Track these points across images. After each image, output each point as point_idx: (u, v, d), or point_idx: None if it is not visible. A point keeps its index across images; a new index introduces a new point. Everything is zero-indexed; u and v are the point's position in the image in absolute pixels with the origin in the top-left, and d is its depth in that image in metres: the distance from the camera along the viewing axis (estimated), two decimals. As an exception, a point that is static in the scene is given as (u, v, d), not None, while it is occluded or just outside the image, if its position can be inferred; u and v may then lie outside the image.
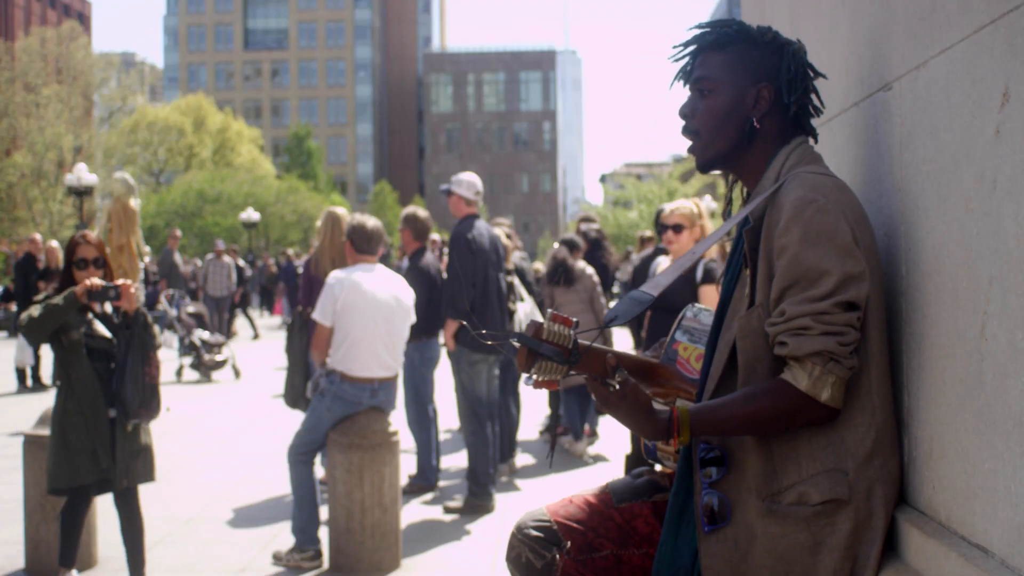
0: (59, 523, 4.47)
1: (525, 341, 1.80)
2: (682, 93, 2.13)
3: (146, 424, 4.48)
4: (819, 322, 1.77)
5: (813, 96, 2.04)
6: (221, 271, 18.32)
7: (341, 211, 6.42)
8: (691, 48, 2.06)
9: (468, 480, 6.31)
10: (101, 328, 4.43)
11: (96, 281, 4.30)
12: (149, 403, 4.42)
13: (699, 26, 2.06)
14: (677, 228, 5.27)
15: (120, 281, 4.39)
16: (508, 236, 7.87)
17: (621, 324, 1.87)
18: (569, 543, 2.08)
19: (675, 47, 2.07)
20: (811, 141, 2.09)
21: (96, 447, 4.32)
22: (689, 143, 2.05)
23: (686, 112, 2.04)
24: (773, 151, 2.00)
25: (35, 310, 4.27)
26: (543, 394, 9.94)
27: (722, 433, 1.86)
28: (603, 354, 1.97)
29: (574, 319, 1.88)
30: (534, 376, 1.84)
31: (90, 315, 4.44)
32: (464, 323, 6.00)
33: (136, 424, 4.41)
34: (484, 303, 6.28)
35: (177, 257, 18.53)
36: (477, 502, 6.25)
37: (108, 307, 4.50)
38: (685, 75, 2.08)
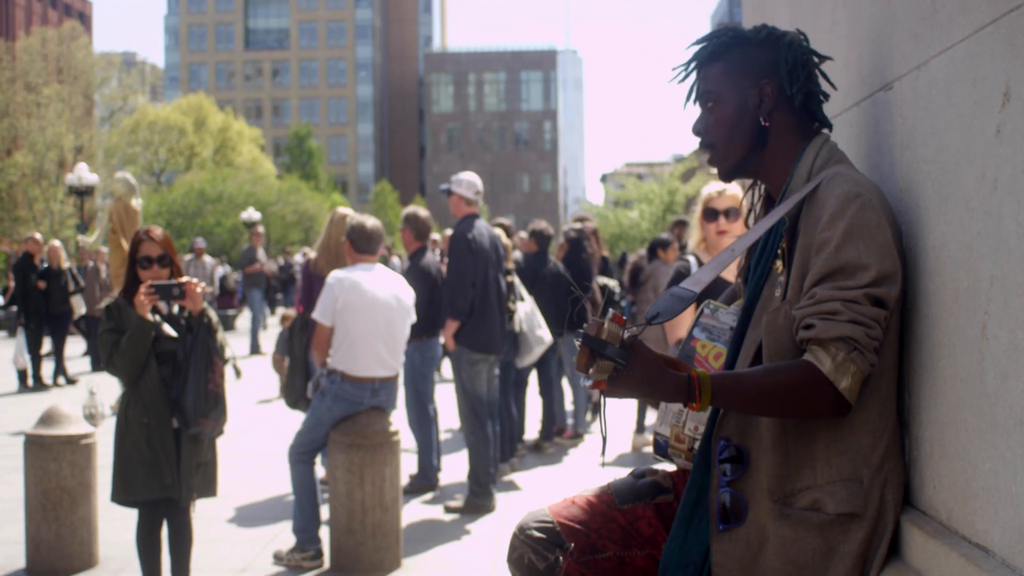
0: (136, 548, 4.26)
1: (590, 343, 1.78)
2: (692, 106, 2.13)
3: (209, 435, 4.18)
4: (849, 309, 1.75)
5: (820, 81, 2.03)
6: (202, 273, 16.65)
7: (345, 211, 6.40)
8: (692, 66, 2.06)
9: (469, 480, 6.32)
10: (169, 330, 4.14)
11: (150, 285, 3.99)
12: (210, 412, 4.10)
13: (697, 41, 2.07)
14: (732, 213, 4.37)
15: (184, 279, 4.10)
16: (508, 234, 7.89)
17: (664, 321, 1.85)
18: (572, 544, 2.07)
19: (675, 68, 2.08)
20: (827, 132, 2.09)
21: (160, 459, 4.05)
22: (709, 158, 2.07)
23: (699, 129, 2.06)
24: (795, 147, 1.99)
25: (116, 355, 4.01)
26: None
27: (739, 403, 1.82)
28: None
29: (624, 317, 1.86)
30: (592, 376, 1.82)
31: (156, 317, 4.14)
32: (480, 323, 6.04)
33: (197, 434, 4.11)
34: (484, 303, 6.28)
35: (261, 254, 17.34)
36: (478, 502, 6.25)
37: (176, 308, 4.21)
38: (695, 92, 2.08)
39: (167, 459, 4.06)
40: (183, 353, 4.12)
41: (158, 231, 4.23)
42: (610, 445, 8.28)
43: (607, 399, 1.91)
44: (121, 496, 4.13)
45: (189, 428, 4.09)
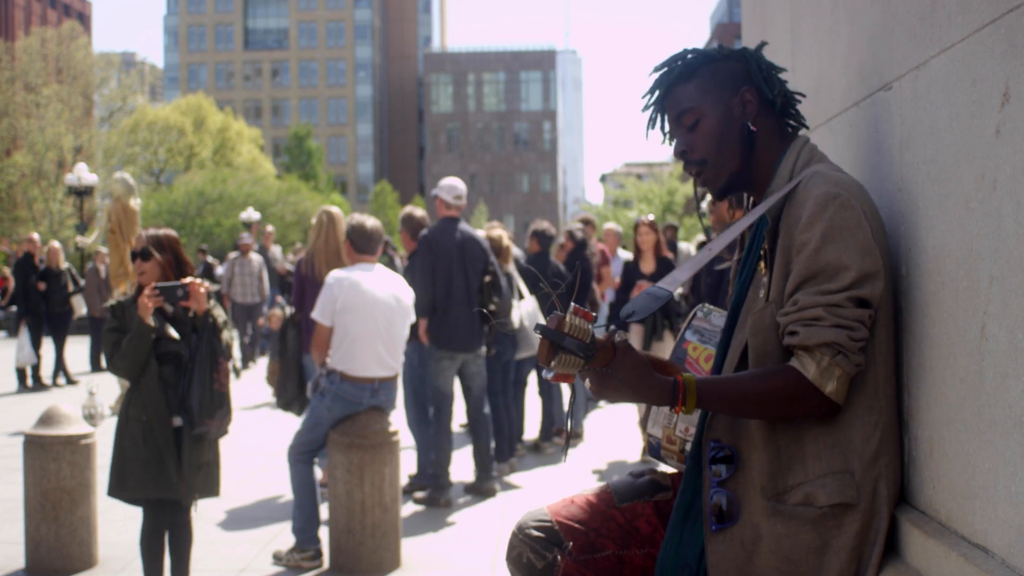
0: (140, 549, 4.25)
1: (547, 334, 1.81)
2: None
3: (214, 435, 4.19)
4: (831, 314, 1.78)
5: (788, 86, 2.06)
6: (249, 272, 14.37)
7: (336, 210, 6.41)
8: (657, 92, 2.06)
9: (433, 471, 6.55)
10: (172, 332, 4.15)
11: (154, 287, 4.01)
12: (215, 412, 4.12)
13: (656, 69, 2.07)
14: None
15: (188, 280, 4.11)
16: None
17: (639, 320, 1.87)
18: (571, 543, 2.07)
19: (643, 97, 2.08)
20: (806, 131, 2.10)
21: (164, 458, 4.05)
22: (699, 176, 2.04)
23: (683, 149, 2.03)
24: (778, 150, 2.00)
25: (116, 356, 4.04)
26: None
27: (725, 408, 1.86)
28: (612, 346, 1.95)
29: (593, 313, 1.89)
30: (554, 368, 1.84)
31: (155, 321, 4.12)
32: (486, 319, 6.16)
33: (202, 434, 4.13)
34: (447, 303, 6.46)
35: (275, 252, 16.35)
36: (434, 495, 6.46)
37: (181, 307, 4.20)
38: (660, 118, 2.08)
39: (170, 458, 4.08)
40: (188, 353, 4.14)
41: (152, 230, 4.27)
42: (613, 454, 8.28)
43: (575, 399, 1.93)
44: (115, 490, 4.15)
45: (195, 428, 4.11)
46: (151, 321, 4.06)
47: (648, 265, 7.76)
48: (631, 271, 7.83)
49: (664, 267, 7.75)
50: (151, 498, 4.16)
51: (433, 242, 6.49)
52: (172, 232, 4.33)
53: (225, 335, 4.24)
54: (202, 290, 4.11)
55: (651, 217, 8.05)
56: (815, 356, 1.79)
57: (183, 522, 4.31)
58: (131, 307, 4.12)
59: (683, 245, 9.87)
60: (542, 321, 7.26)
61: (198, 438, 4.15)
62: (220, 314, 4.27)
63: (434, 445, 6.54)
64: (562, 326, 1.81)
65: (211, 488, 4.28)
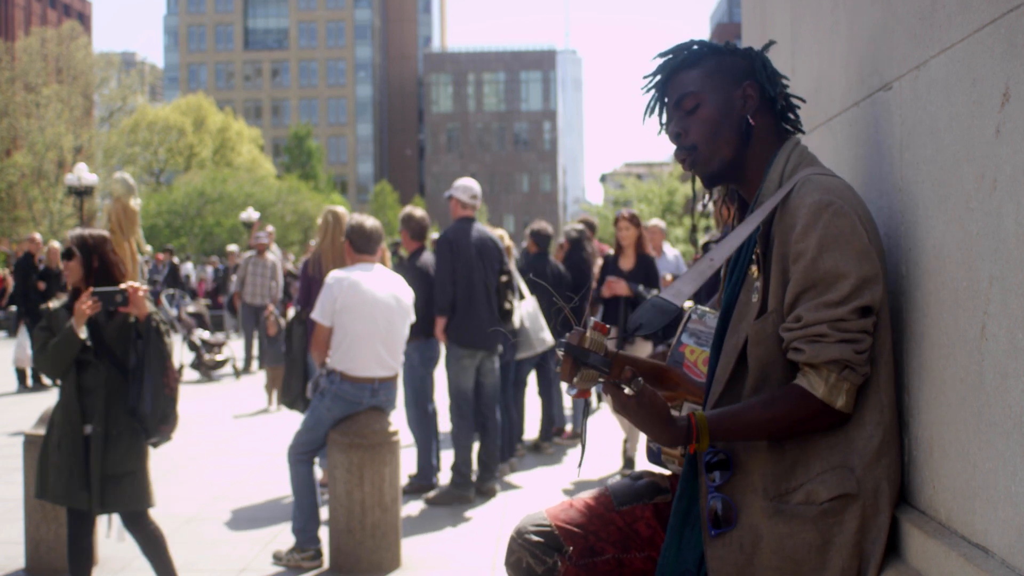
0: (67, 556, 4.17)
1: (571, 351, 1.80)
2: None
3: (165, 442, 4.08)
4: (836, 329, 1.78)
5: (789, 90, 2.07)
6: (263, 272, 13.58)
7: (342, 211, 6.43)
8: (659, 76, 2.06)
9: (452, 471, 6.57)
10: (90, 350, 4.01)
11: (92, 292, 3.92)
12: (169, 417, 4.03)
13: (662, 54, 2.07)
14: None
15: (125, 284, 3.98)
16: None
17: (646, 333, 1.88)
18: (570, 547, 2.07)
19: (644, 77, 2.08)
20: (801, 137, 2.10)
21: (72, 466, 3.94)
22: (688, 162, 2.03)
23: (677, 132, 2.03)
24: (770, 151, 2.01)
25: (41, 356, 3.96)
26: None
27: (739, 438, 1.86)
28: (623, 359, 1.97)
29: (608, 326, 1.89)
30: (576, 385, 1.83)
31: (85, 335, 4.00)
32: (495, 322, 6.23)
33: (156, 443, 4.03)
34: (469, 301, 6.52)
35: (277, 253, 15.71)
36: (456, 492, 6.48)
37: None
38: (659, 104, 2.08)
39: (78, 468, 3.96)
40: (136, 360, 4.01)
41: (79, 230, 4.14)
42: (604, 461, 8.28)
43: (588, 407, 1.96)
44: (38, 491, 4.08)
45: (151, 436, 4.01)
46: (82, 333, 3.94)
47: (628, 262, 7.17)
48: (609, 267, 7.24)
49: (644, 265, 7.16)
50: (69, 507, 4.04)
51: (453, 242, 6.55)
52: (101, 232, 4.18)
53: (167, 340, 4.09)
54: (140, 294, 3.98)
55: (632, 210, 7.42)
56: (822, 374, 1.80)
57: (148, 531, 4.16)
58: (62, 313, 4.03)
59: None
60: (542, 322, 7.28)
61: (107, 447, 4.00)
62: (161, 317, 4.12)
63: (456, 443, 6.59)
64: (583, 342, 1.80)
65: (139, 499, 4.07)
